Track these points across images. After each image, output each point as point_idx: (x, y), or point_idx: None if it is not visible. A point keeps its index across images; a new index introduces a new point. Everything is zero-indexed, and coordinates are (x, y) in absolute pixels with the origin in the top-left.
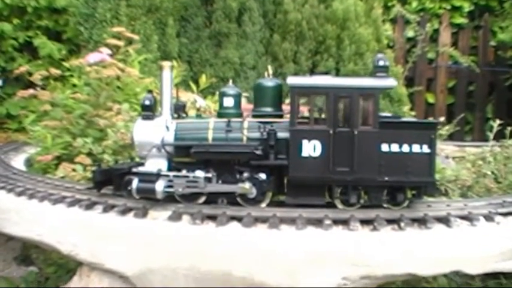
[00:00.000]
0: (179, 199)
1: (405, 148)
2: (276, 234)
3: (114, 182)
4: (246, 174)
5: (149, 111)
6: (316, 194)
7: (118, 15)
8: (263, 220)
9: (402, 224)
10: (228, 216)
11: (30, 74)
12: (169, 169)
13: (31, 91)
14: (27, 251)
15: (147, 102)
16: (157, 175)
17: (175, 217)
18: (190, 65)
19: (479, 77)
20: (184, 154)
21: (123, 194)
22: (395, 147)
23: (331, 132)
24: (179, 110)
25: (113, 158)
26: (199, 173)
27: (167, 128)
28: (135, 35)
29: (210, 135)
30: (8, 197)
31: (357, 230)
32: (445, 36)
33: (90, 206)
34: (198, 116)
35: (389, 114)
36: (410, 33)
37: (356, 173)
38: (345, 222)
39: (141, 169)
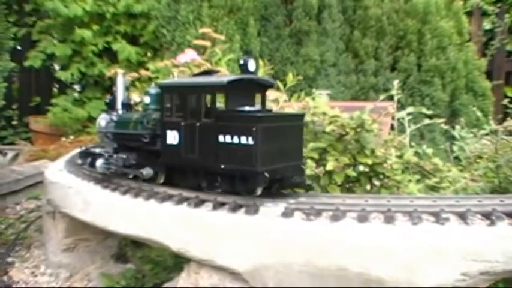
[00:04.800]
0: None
1: (235, 139)
2: (392, 229)
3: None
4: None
5: (109, 107)
6: (188, 178)
7: (200, 16)
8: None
9: None
10: (342, 211)
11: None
12: (115, 152)
13: None
14: (123, 249)
15: (107, 101)
16: (99, 155)
17: (288, 213)
18: (272, 64)
19: None
20: None
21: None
22: (228, 138)
23: (182, 124)
24: (126, 107)
25: None
26: (121, 156)
27: (111, 120)
28: (220, 36)
29: (132, 126)
30: (112, 196)
31: (474, 224)
32: None
33: (198, 203)
34: (136, 111)
35: (253, 108)
36: (487, 25)
37: (200, 160)
38: (461, 216)
39: (93, 150)
